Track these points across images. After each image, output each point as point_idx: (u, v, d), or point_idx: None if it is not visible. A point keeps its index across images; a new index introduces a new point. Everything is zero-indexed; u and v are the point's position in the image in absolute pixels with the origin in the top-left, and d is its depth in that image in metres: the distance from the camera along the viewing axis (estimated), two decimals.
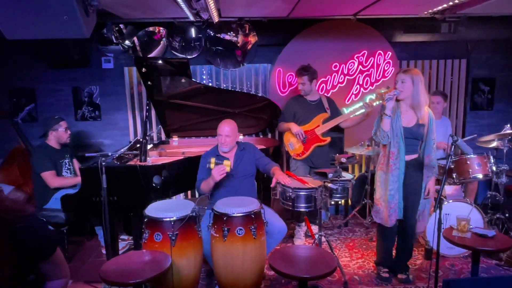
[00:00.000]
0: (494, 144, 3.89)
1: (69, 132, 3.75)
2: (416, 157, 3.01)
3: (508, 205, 3.94)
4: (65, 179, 3.66)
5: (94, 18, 2.26)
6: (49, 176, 3.55)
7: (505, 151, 3.77)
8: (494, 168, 3.64)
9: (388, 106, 2.88)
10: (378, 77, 4.75)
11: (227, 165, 2.89)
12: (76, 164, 3.89)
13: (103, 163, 2.78)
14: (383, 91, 3.07)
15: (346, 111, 4.59)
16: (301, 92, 3.90)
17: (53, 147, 3.68)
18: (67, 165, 3.75)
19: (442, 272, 3.30)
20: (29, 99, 4.68)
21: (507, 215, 3.84)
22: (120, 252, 3.50)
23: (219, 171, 2.87)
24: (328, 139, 3.85)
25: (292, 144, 3.88)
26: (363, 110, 3.61)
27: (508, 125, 3.76)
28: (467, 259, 3.48)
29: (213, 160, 2.92)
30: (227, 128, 3.11)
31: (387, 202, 2.98)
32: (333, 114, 3.86)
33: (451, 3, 3.56)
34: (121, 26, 4.43)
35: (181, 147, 4.27)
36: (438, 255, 2.59)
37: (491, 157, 3.65)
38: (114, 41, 4.46)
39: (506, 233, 3.76)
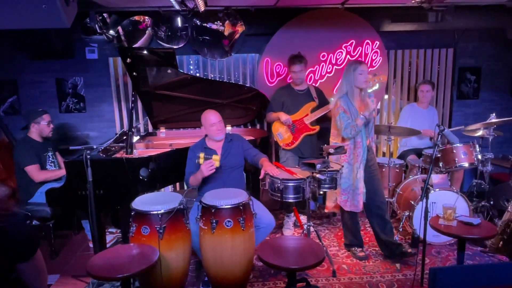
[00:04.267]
0: (480, 133, 3.94)
1: (51, 126, 3.66)
2: (368, 141, 3.24)
3: (493, 192, 4.01)
4: (49, 172, 3.59)
5: (75, 7, 2.19)
6: (33, 170, 3.47)
7: (490, 139, 3.82)
8: (479, 157, 3.68)
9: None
10: None
11: (216, 160, 2.87)
12: (59, 157, 3.82)
13: (88, 156, 2.73)
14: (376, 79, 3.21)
15: None
16: (296, 81, 3.86)
17: (36, 140, 3.60)
18: (50, 158, 3.68)
19: (429, 260, 3.35)
20: (11, 91, 4.57)
21: (491, 202, 3.91)
22: (108, 245, 3.48)
23: (208, 166, 2.85)
24: (317, 128, 3.84)
25: (281, 134, 3.86)
26: None
27: (494, 114, 3.81)
28: (452, 246, 3.53)
29: (202, 155, 2.88)
30: (217, 115, 3.13)
31: (356, 189, 3.15)
32: (321, 104, 3.85)
33: None
34: (105, 15, 4.32)
35: (168, 139, 4.23)
36: (424, 243, 2.63)
37: (477, 145, 3.69)
38: (98, 30, 4.34)
39: (491, 220, 3.83)
